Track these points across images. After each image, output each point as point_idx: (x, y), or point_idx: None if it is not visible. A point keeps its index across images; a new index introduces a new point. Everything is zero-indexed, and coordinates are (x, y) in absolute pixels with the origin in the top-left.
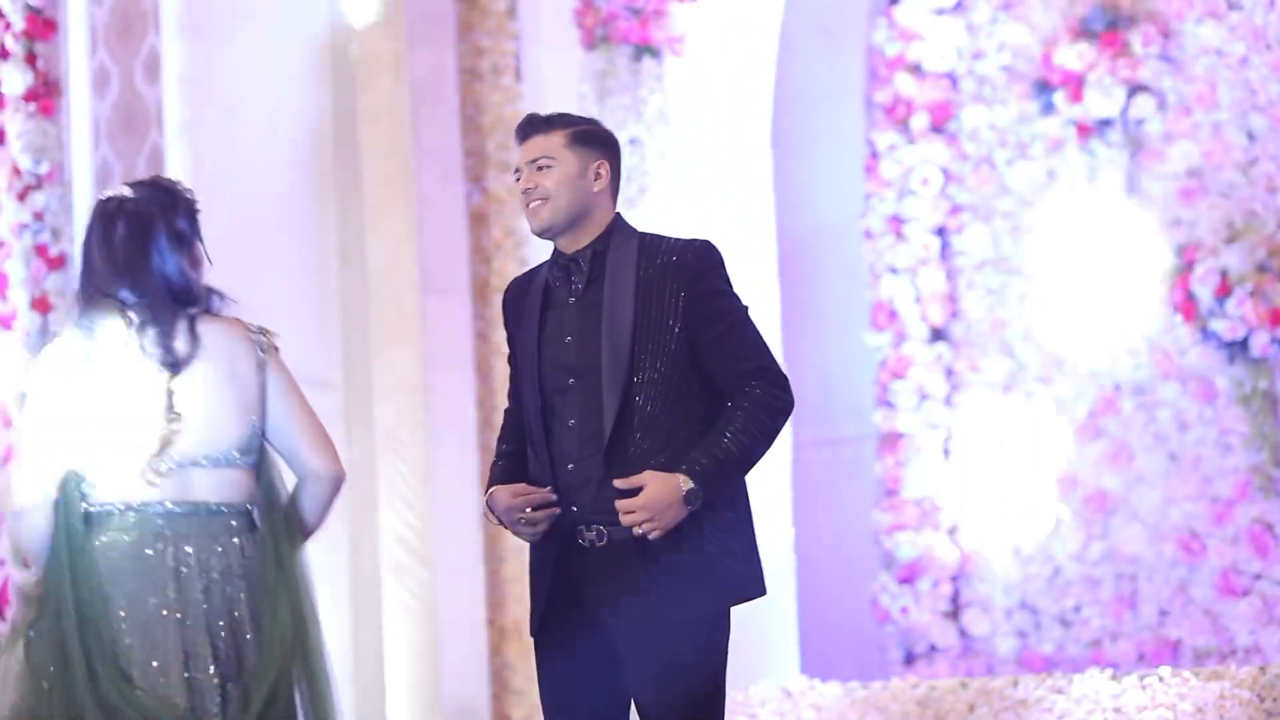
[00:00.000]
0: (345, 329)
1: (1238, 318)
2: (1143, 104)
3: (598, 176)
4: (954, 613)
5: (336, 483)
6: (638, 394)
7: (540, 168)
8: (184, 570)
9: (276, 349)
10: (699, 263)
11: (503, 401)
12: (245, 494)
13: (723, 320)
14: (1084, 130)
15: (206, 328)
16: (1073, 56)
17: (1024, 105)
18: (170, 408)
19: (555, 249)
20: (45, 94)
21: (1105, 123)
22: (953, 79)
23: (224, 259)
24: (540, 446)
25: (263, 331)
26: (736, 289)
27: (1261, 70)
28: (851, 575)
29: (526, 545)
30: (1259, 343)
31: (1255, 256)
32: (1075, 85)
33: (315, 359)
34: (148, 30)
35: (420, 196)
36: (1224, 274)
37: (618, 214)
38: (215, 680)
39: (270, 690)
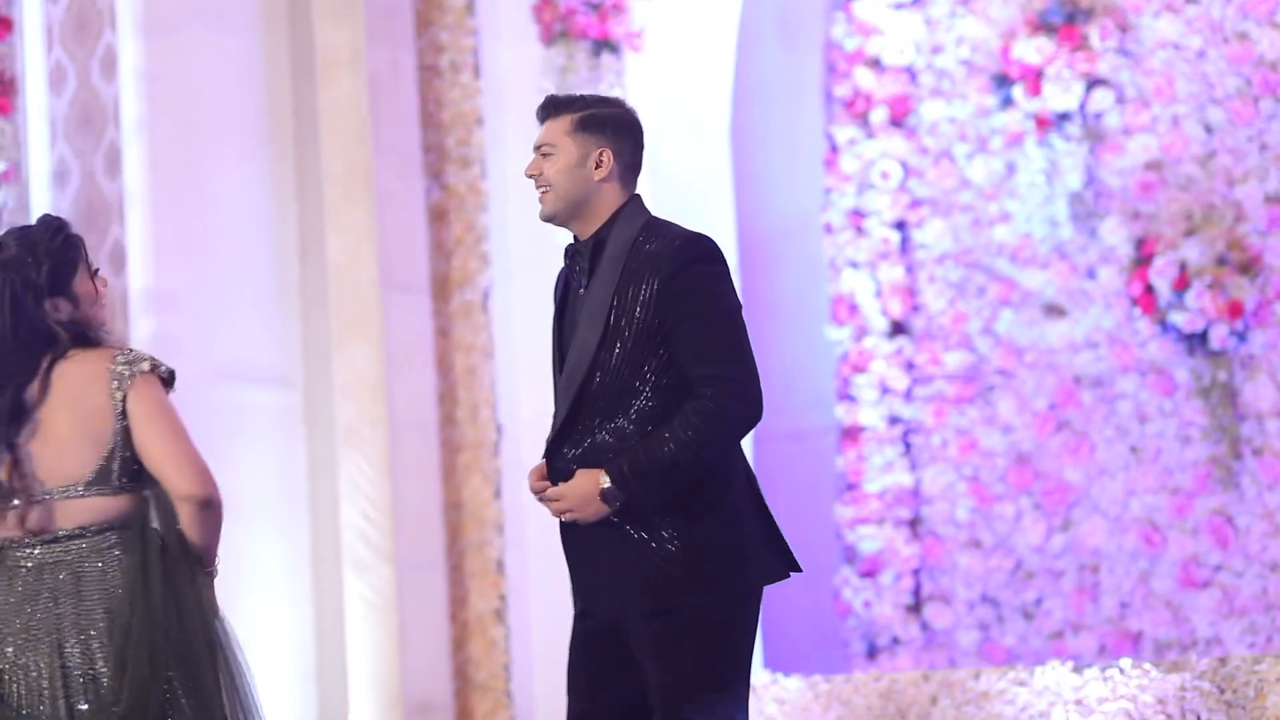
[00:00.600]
0: (305, 325)
1: (1196, 310)
2: (1101, 97)
3: (599, 164)
4: (916, 606)
5: (201, 503)
6: (596, 386)
7: (544, 154)
8: (43, 595)
9: (146, 375)
10: (678, 255)
11: (463, 398)
12: (103, 518)
13: (692, 318)
14: (1043, 124)
15: (65, 368)
16: (1031, 50)
17: (983, 99)
18: (12, 448)
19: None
20: (2, 92)
21: (1064, 116)
22: (912, 73)
23: (182, 256)
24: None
25: (131, 361)
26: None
27: (1219, 64)
28: (813, 569)
29: (489, 542)
30: (1218, 335)
31: (1214, 249)
32: (1034, 79)
33: (275, 356)
34: (104, 27)
35: (380, 193)
36: (1183, 266)
37: (633, 198)
38: (63, 702)
39: (130, 708)
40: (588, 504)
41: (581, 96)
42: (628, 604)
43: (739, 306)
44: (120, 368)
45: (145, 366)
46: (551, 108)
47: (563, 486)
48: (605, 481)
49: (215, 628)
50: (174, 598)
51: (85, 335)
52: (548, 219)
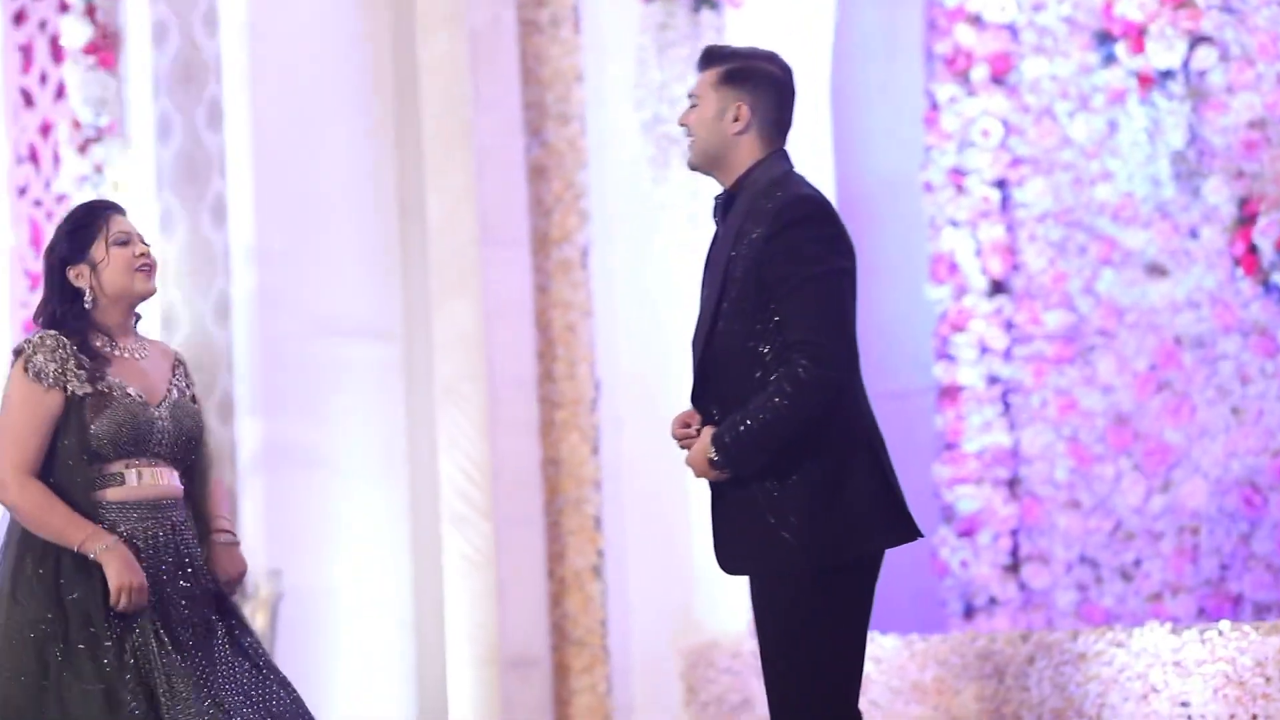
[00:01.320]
0: (405, 281)
1: None
2: (1205, 55)
3: (736, 118)
4: (1014, 566)
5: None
6: (718, 340)
7: (692, 105)
8: None
9: (16, 363)
10: (780, 216)
11: (562, 354)
12: None
13: (787, 281)
14: (1145, 81)
15: None
16: (1134, 7)
17: (1085, 56)
18: None
19: None
20: (105, 47)
21: (1167, 74)
22: (1013, 30)
23: (284, 211)
24: None
25: (15, 350)
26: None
27: None
28: None
29: (587, 498)
30: None
31: None
32: (1137, 36)
33: (375, 311)
34: None
35: (479, 149)
36: None
37: (773, 153)
38: None
39: None
40: (702, 467)
41: (735, 49)
42: (739, 563)
43: (838, 269)
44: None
45: (13, 357)
46: (705, 59)
47: (689, 454)
48: (710, 451)
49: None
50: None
51: (65, 314)
52: (692, 167)
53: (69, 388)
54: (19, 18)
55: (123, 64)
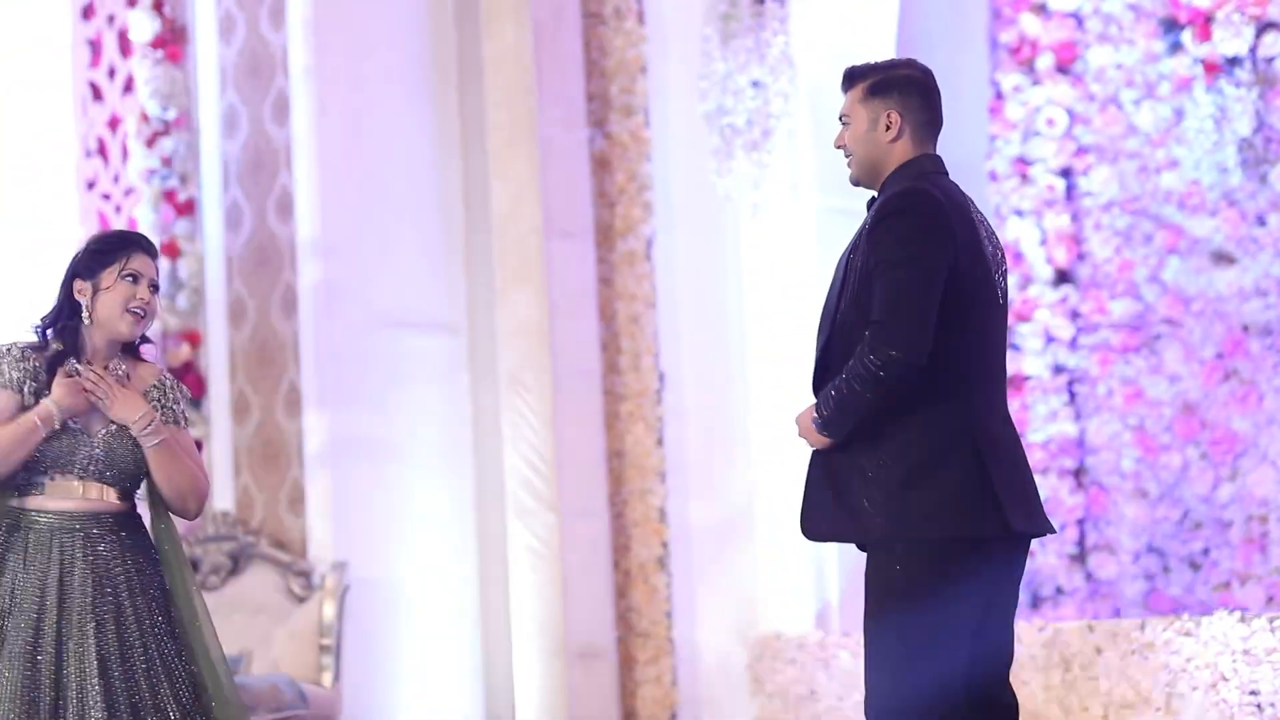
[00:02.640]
0: (469, 272)
1: None
2: (1272, 42)
3: (889, 126)
4: (1081, 556)
5: None
6: (835, 330)
7: (844, 124)
8: None
9: None
10: (878, 211)
11: (626, 346)
12: None
13: (875, 271)
14: (1212, 69)
15: None
16: None
17: (1150, 44)
18: None
19: None
20: (172, 40)
21: (1233, 61)
22: (1078, 18)
23: (349, 203)
24: None
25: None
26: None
27: None
28: None
29: (652, 490)
30: None
31: None
32: (1203, 23)
33: (439, 302)
34: None
35: (543, 141)
36: None
37: (917, 156)
38: None
39: None
40: (807, 427)
41: (871, 64)
42: (821, 528)
43: (917, 257)
44: None
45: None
46: (847, 79)
47: (799, 415)
48: (814, 413)
49: None
50: None
51: (54, 326)
52: (854, 183)
53: (24, 395)
54: (88, 12)
55: (190, 58)
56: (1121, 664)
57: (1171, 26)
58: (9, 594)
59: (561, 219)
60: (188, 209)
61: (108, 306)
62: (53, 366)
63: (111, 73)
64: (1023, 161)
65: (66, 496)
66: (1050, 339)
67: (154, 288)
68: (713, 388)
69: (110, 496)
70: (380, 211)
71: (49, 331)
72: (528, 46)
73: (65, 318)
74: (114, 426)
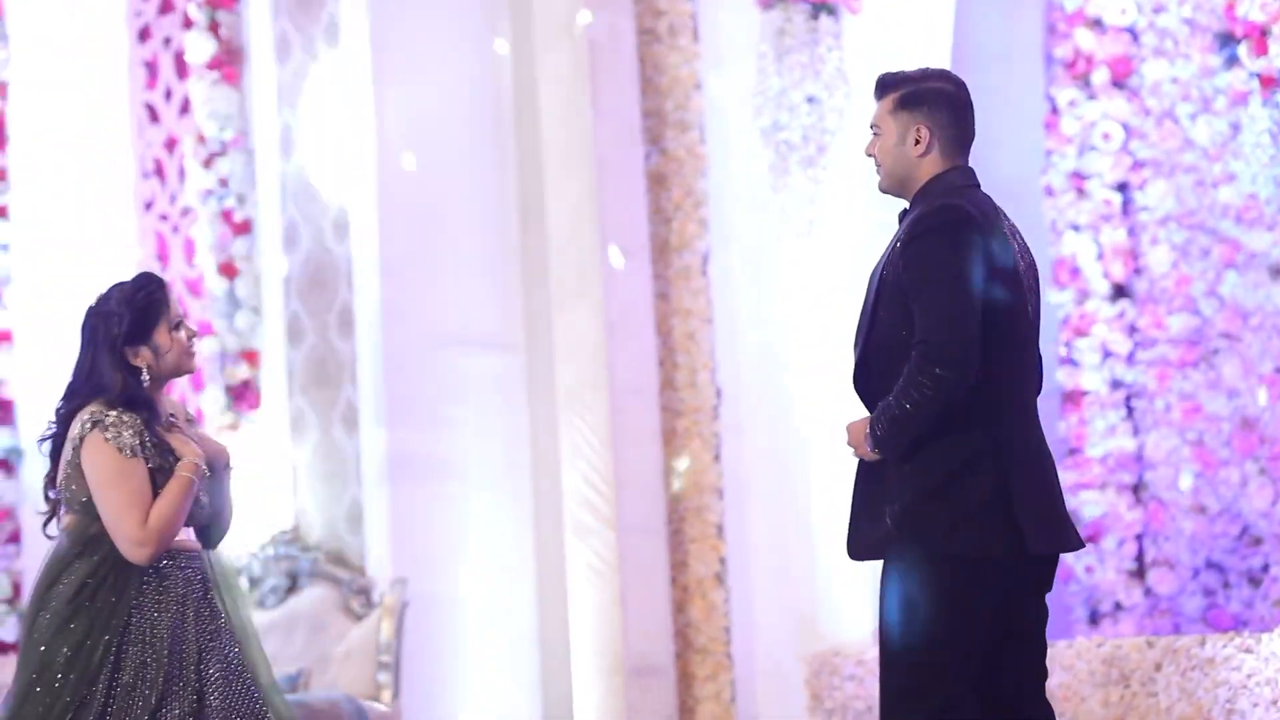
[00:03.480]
0: (526, 290)
1: None
2: None
3: (918, 140)
4: (1139, 572)
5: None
6: (872, 345)
7: (875, 134)
8: None
9: (94, 434)
10: (914, 227)
11: (683, 362)
12: (66, 534)
13: (912, 287)
14: (1268, 83)
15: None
16: (1256, 8)
17: (1206, 58)
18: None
19: None
20: (228, 62)
21: None
22: (1133, 33)
23: (405, 223)
24: None
25: (90, 420)
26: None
27: None
28: None
29: (709, 506)
30: None
31: None
32: (1259, 37)
33: (497, 321)
34: None
35: (599, 159)
36: None
37: (951, 169)
38: None
39: None
40: (861, 445)
41: (905, 74)
42: (858, 549)
43: (958, 276)
44: (83, 424)
45: (88, 427)
46: (879, 88)
47: (849, 425)
48: (868, 430)
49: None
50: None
51: (132, 396)
52: (882, 190)
53: (147, 460)
54: (144, 34)
55: (246, 79)
56: (1181, 680)
57: (1227, 40)
58: (143, 641)
59: (618, 235)
60: (244, 229)
61: (175, 360)
62: (150, 426)
63: (168, 94)
64: (1079, 176)
65: (181, 540)
66: (1108, 354)
67: (185, 315)
68: (770, 403)
69: (192, 535)
70: (437, 230)
71: (126, 408)
72: (583, 65)
73: (129, 379)
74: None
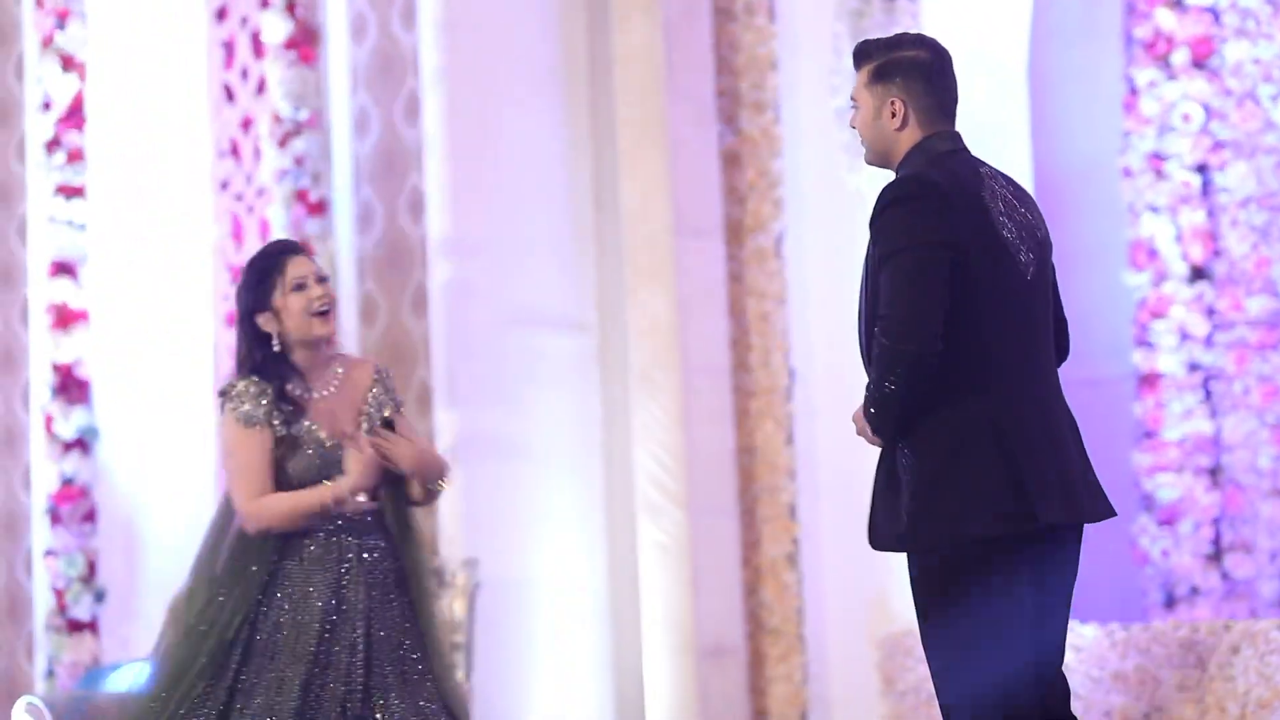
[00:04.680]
0: (599, 270)
1: None
2: None
3: (894, 114)
4: (1216, 555)
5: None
6: (866, 324)
7: (853, 107)
8: None
9: (222, 405)
10: (876, 203)
11: (756, 343)
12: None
13: (880, 263)
14: None
15: None
16: None
17: None
18: None
19: None
20: (305, 41)
21: None
22: (1215, 13)
23: (480, 202)
24: None
25: (220, 392)
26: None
27: None
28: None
29: (782, 487)
30: None
31: None
32: None
33: (570, 301)
34: None
35: (673, 139)
36: None
37: (928, 136)
38: None
39: None
40: (864, 433)
41: (877, 44)
42: (876, 538)
43: (914, 246)
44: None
45: (218, 399)
46: (855, 59)
47: (854, 413)
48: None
49: None
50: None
51: (259, 364)
52: (869, 164)
53: (275, 427)
54: (221, 14)
55: (322, 58)
56: (1260, 664)
57: None
58: (280, 604)
59: (692, 216)
60: (319, 209)
61: (294, 322)
62: (282, 393)
63: (244, 74)
64: (1157, 157)
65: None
66: (1185, 336)
67: (321, 279)
68: (843, 384)
69: (363, 499)
70: (511, 210)
71: (255, 375)
72: (658, 44)
73: (263, 352)
74: (364, 426)
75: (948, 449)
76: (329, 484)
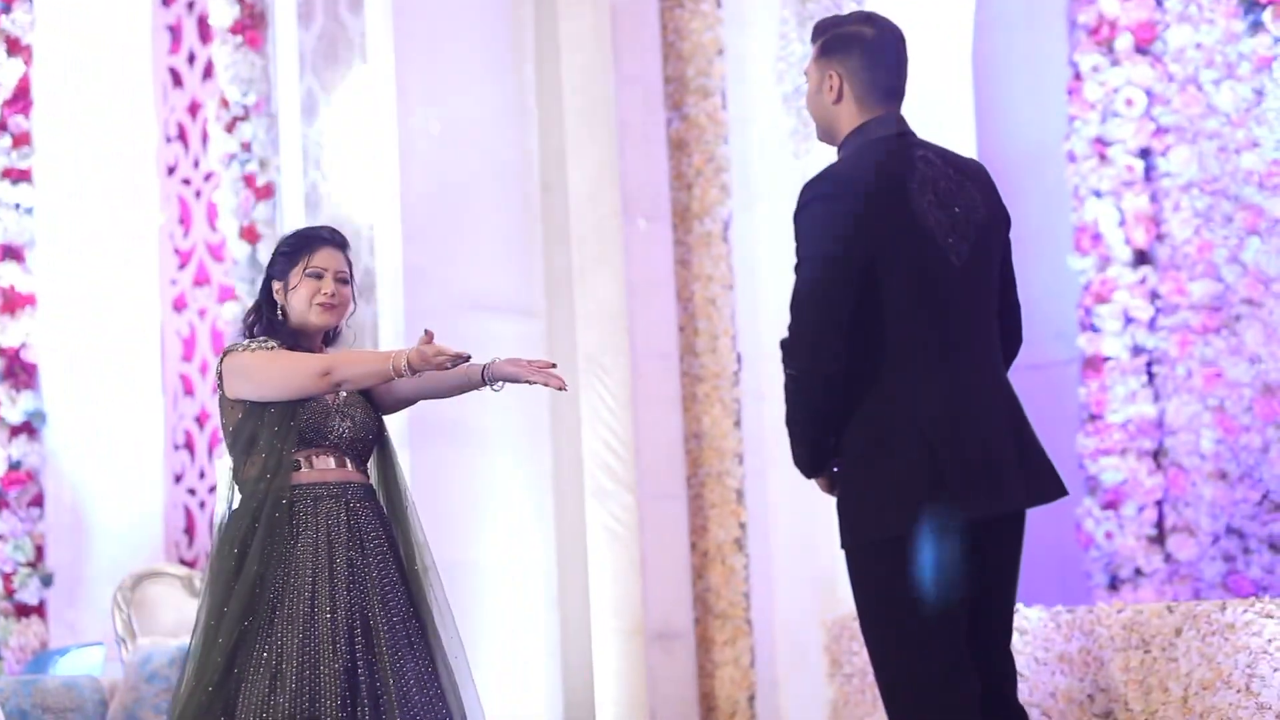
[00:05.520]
0: (547, 256)
1: None
2: None
3: (831, 88)
4: (1159, 538)
5: None
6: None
7: (806, 81)
8: None
9: (226, 357)
10: (798, 197)
11: (703, 328)
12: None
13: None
14: None
15: None
16: None
17: (1231, 24)
18: None
19: None
20: (252, 26)
21: None
22: None
23: (426, 188)
24: None
25: (229, 349)
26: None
27: None
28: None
29: (729, 471)
30: None
31: None
32: None
33: (518, 286)
34: None
35: (621, 124)
36: None
37: (866, 121)
38: None
39: None
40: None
41: (828, 21)
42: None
43: (818, 255)
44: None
45: (221, 357)
46: (812, 34)
47: None
48: None
49: None
50: None
51: (268, 325)
52: (820, 140)
53: None
54: None
55: (269, 43)
56: (1202, 645)
57: (1252, 6)
58: (268, 560)
59: (640, 201)
60: (267, 193)
61: (297, 303)
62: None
63: (191, 59)
64: (1101, 142)
65: (324, 469)
66: (1129, 320)
67: (342, 280)
68: None
69: (354, 468)
70: (459, 195)
71: (255, 328)
72: (605, 29)
73: (268, 314)
74: (358, 400)
75: (870, 447)
76: (399, 356)
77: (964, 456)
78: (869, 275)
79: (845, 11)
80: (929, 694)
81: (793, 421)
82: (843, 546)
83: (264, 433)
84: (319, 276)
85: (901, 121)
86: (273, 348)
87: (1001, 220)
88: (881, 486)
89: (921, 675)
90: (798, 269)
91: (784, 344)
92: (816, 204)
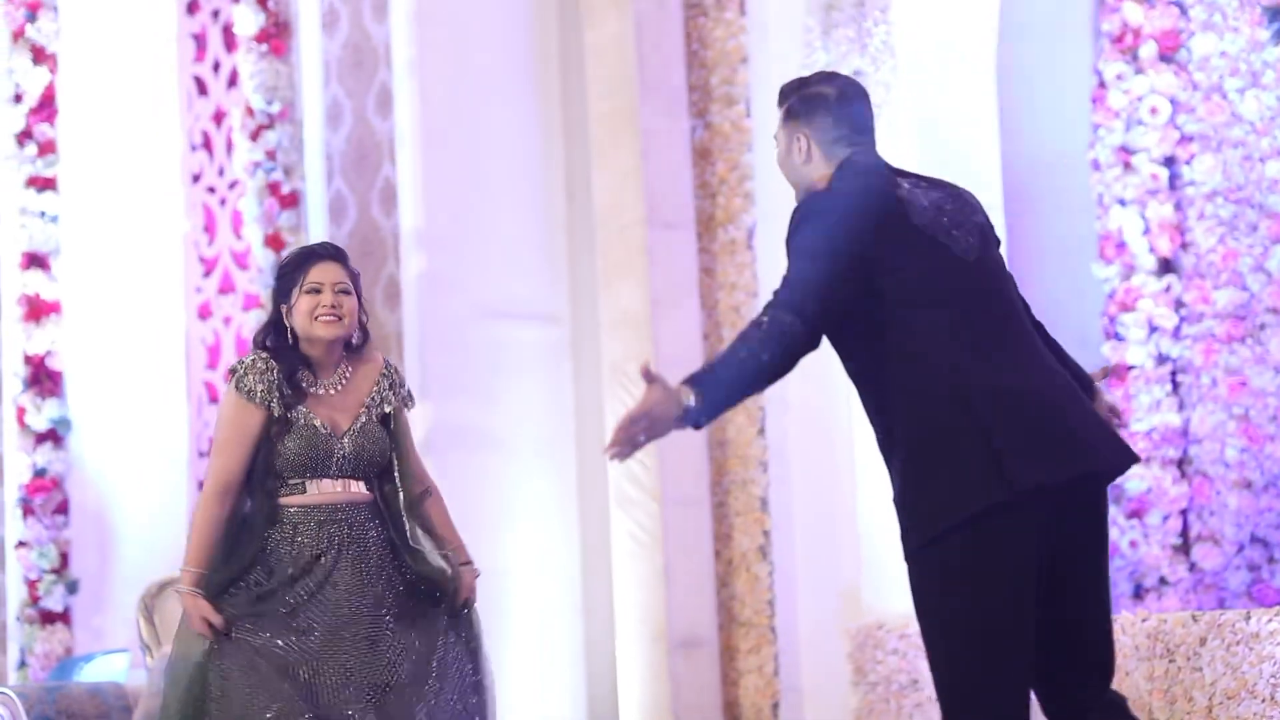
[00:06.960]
0: (571, 264)
1: None
2: None
3: (800, 150)
4: (1184, 546)
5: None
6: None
7: (776, 146)
8: None
9: (230, 378)
10: (789, 224)
11: (727, 335)
12: None
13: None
14: None
15: None
16: None
17: (1256, 32)
18: None
19: None
20: (276, 34)
21: None
22: (1182, 7)
23: (452, 195)
24: None
25: (232, 369)
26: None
27: None
28: None
29: (754, 479)
30: None
31: None
32: None
33: (542, 294)
34: None
35: (645, 132)
36: None
37: (838, 166)
38: None
39: None
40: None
41: (790, 85)
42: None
43: (818, 248)
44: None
45: (229, 374)
46: (778, 102)
47: None
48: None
49: None
50: None
51: (275, 347)
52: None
53: (271, 408)
54: (192, 7)
55: (294, 51)
56: (1226, 654)
57: (1276, 14)
58: (268, 575)
59: (664, 209)
60: (291, 201)
61: (300, 320)
62: (291, 378)
63: (216, 67)
64: (1125, 150)
65: (325, 493)
66: (1153, 329)
67: (343, 291)
68: (814, 376)
69: (359, 489)
70: (483, 203)
71: (266, 341)
72: (630, 38)
73: (278, 339)
74: (360, 424)
75: (922, 434)
76: (184, 581)
77: (1023, 426)
78: (872, 271)
79: (867, 22)
80: (992, 695)
81: (733, 357)
82: (917, 544)
83: (256, 471)
84: (317, 291)
85: (874, 153)
86: (266, 358)
87: (995, 239)
88: (940, 475)
89: (990, 673)
90: (791, 250)
91: (777, 294)
92: (813, 219)
